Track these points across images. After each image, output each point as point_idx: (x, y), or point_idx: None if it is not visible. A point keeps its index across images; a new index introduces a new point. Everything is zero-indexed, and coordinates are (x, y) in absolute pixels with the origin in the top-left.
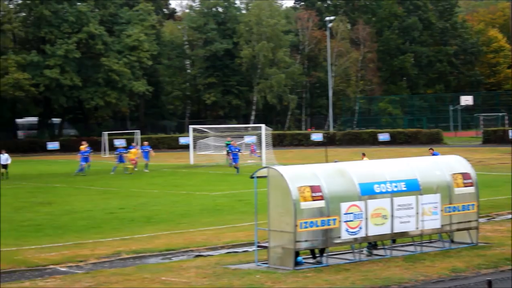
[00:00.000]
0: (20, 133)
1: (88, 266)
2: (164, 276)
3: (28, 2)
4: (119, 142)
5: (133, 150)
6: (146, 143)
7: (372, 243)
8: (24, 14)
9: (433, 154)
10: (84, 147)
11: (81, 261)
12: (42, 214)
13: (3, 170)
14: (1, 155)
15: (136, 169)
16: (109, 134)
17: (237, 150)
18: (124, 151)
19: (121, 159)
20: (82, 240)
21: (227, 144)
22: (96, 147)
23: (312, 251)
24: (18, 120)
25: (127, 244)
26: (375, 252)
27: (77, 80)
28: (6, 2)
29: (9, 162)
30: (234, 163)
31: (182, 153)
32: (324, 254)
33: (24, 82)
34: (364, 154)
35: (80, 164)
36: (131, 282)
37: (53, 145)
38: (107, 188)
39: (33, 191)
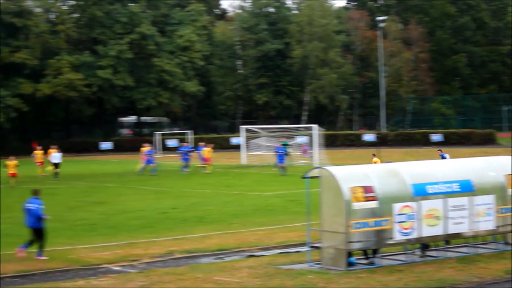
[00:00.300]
0: (125, 131)
1: (141, 265)
2: (217, 276)
3: (81, 3)
4: (172, 142)
5: (206, 149)
6: (202, 143)
7: (425, 244)
8: (77, 15)
9: (441, 156)
10: (146, 148)
11: (134, 260)
12: (96, 214)
13: (55, 169)
14: (53, 153)
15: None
16: (161, 134)
17: (282, 151)
18: (189, 150)
19: (185, 159)
20: (135, 239)
21: (285, 145)
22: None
23: (365, 252)
24: (122, 119)
25: (179, 243)
26: (427, 253)
27: (129, 80)
28: (59, 4)
29: (60, 161)
30: (279, 164)
31: (233, 153)
32: (377, 255)
33: (77, 82)
34: (374, 155)
35: (145, 164)
36: (184, 282)
37: (106, 145)
38: (159, 188)
39: (87, 190)
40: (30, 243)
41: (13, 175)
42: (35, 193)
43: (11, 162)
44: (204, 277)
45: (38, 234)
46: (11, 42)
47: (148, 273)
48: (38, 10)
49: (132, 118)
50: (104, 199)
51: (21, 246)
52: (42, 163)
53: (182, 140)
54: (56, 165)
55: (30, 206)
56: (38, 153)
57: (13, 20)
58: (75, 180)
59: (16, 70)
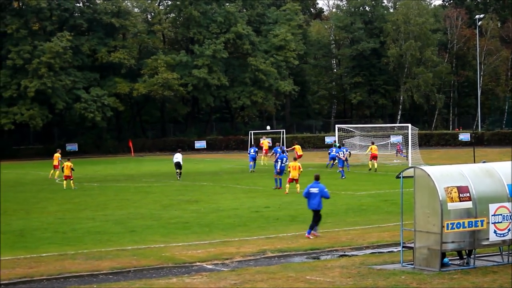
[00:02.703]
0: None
1: (234, 263)
2: (309, 275)
3: (178, 3)
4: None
5: (372, 146)
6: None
7: None
8: (173, 15)
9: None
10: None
11: (226, 259)
12: (189, 212)
13: (178, 170)
14: (176, 153)
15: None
16: (255, 133)
17: (340, 151)
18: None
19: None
20: (228, 238)
21: (338, 146)
22: (242, 146)
23: (459, 253)
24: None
25: (272, 242)
26: None
27: (224, 79)
28: (156, 4)
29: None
30: (340, 166)
31: (327, 153)
32: (472, 256)
33: (173, 82)
34: (373, 143)
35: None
36: (276, 281)
37: (200, 143)
38: (252, 187)
39: (181, 189)
40: (311, 229)
41: (68, 177)
42: (317, 178)
43: (67, 163)
44: (296, 276)
45: (317, 216)
46: (108, 42)
47: (240, 272)
48: (135, 10)
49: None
50: (198, 197)
51: (308, 231)
52: (57, 166)
53: (277, 140)
54: (178, 166)
55: (314, 190)
56: (56, 156)
57: (111, 20)
58: (169, 179)
59: (113, 69)
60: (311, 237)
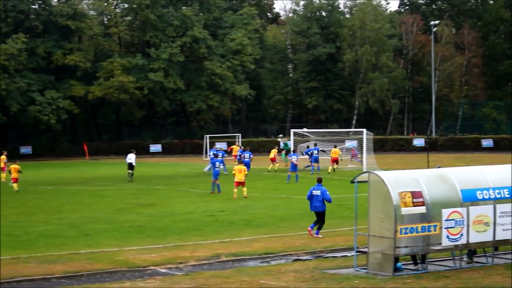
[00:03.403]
0: None
1: (188, 268)
2: (263, 279)
3: (134, 6)
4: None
5: (335, 150)
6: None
7: (473, 250)
8: (130, 18)
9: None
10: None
11: (180, 263)
12: (144, 216)
13: (129, 170)
14: (130, 154)
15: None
16: (210, 137)
17: (293, 156)
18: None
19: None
20: (183, 242)
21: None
22: (197, 149)
23: (413, 257)
24: None
25: (226, 246)
26: (475, 259)
27: (180, 83)
28: (113, 7)
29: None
30: (290, 170)
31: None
32: (426, 261)
33: (129, 85)
34: (335, 146)
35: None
36: (230, 285)
37: (155, 147)
38: (207, 191)
39: (135, 192)
40: (315, 224)
41: (16, 180)
42: (319, 180)
43: (14, 166)
44: (250, 280)
45: (321, 217)
46: (64, 45)
47: (194, 276)
48: (91, 12)
49: None
50: (152, 201)
51: (311, 226)
52: (4, 168)
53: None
54: (130, 167)
55: (316, 192)
56: (2, 158)
57: (67, 23)
58: (124, 182)
59: (69, 72)
60: (320, 236)
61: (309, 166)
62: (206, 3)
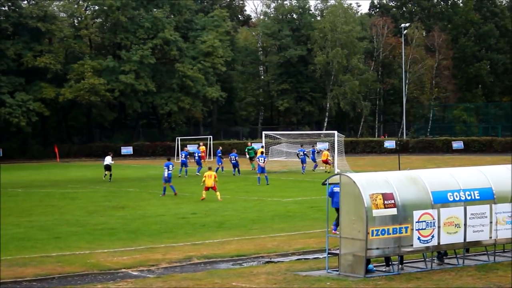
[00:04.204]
0: None
1: (160, 270)
2: (235, 281)
3: (105, 8)
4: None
5: (325, 152)
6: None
7: (444, 252)
8: (100, 20)
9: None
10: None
11: (152, 265)
12: (116, 218)
13: (106, 172)
14: (107, 156)
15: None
16: (182, 140)
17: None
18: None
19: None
20: (154, 244)
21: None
22: (169, 152)
23: (387, 259)
24: None
25: (198, 249)
26: (446, 261)
27: (151, 85)
28: (83, 9)
29: (112, 163)
30: (258, 172)
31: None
32: (396, 262)
33: (100, 87)
34: (328, 149)
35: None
36: (202, 287)
37: (127, 149)
38: (179, 193)
39: (107, 195)
40: (337, 221)
41: None
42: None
43: None
44: (222, 283)
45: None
46: (34, 47)
47: (166, 278)
48: (62, 15)
49: None
50: (124, 203)
51: (334, 228)
52: None
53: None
54: (108, 168)
55: (338, 189)
56: None
57: (37, 25)
58: (96, 185)
59: (39, 74)
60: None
61: (317, 166)
62: (177, 5)
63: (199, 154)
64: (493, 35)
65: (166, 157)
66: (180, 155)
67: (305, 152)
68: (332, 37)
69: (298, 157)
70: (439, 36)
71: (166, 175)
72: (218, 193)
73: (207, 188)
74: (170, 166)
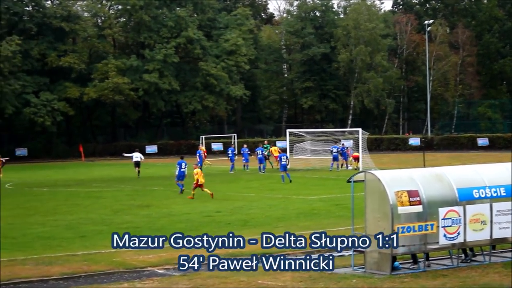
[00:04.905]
0: None
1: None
2: (260, 279)
3: (128, 7)
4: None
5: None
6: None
7: (470, 249)
8: (124, 19)
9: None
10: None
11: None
12: (141, 217)
13: (137, 168)
14: (135, 153)
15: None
16: (206, 138)
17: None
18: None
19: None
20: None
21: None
22: (193, 150)
23: (414, 256)
24: None
25: None
26: (473, 258)
27: (175, 84)
28: (107, 8)
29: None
30: (281, 170)
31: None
32: (422, 260)
33: (124, 86)
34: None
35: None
36: (228, 285)
37: (151, 148)
38: (200, 193)
39: (132, 194)
40: None
41: None
42: None
43: None
44: (247, 281)
45: None
46: (58, 46)
47: (192, 276)
48: (85, 14)
49: None
50: (149, 202)
51: None
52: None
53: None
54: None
55: None
56: None
57: (61, 25)
58: (121, 183)
59: (63, 74)
60: None
61: (343, 166)
62: (200, 4)
63: (200, 154)
64: None
65: (180, 155)
66: (197, 154)
67: (338, 150)
68: (356, 35)
69: (332, 154)
70: (463, 32)
71: (177, 173)
72: (206, 189)
73: (200, 186)
74: (183, 164)
